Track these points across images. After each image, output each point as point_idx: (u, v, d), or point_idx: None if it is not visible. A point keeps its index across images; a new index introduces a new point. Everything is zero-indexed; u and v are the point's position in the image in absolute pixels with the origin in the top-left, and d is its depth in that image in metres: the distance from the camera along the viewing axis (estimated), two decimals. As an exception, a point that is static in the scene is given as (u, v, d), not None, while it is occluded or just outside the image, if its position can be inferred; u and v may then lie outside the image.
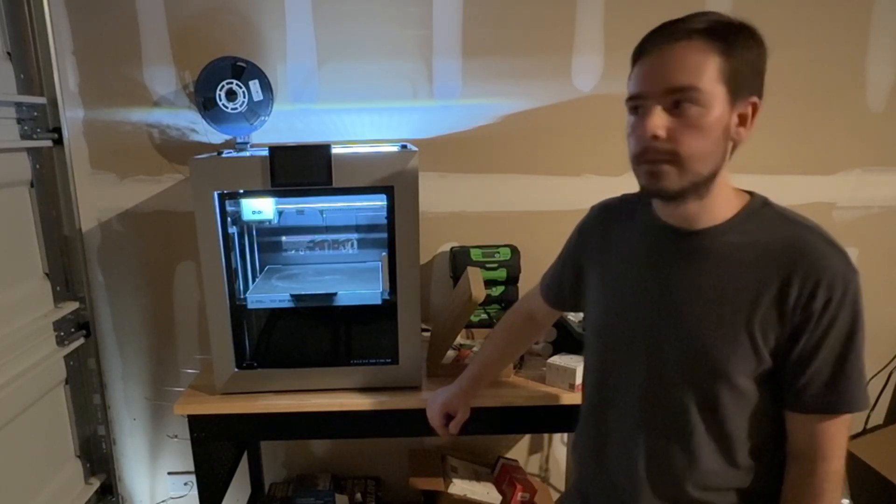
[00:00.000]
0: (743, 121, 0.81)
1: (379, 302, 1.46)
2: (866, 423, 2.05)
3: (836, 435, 0.84)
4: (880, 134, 1.83)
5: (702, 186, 0.82)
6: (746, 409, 0.87)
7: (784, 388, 0.85)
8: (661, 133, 0.78)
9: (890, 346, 1.96)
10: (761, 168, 1.81)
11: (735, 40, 0.78)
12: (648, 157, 0.81)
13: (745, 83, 0.79)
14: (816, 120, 1.81)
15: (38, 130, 1.65)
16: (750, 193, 0.89)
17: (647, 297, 0.92)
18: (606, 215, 1.04)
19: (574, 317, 1.60)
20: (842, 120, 1.81)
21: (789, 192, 1.85)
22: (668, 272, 0.90)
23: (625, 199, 1.03)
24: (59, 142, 1.68)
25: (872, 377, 1.97)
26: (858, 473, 1.79)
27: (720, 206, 0.86)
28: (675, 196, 0.83)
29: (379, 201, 1.44)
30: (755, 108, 0.81)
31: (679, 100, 0.78)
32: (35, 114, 1.64)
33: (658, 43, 0.80)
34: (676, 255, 0.89)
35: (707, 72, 0.77)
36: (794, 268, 0.81)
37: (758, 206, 0.87)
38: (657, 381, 0.91)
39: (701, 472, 0.90)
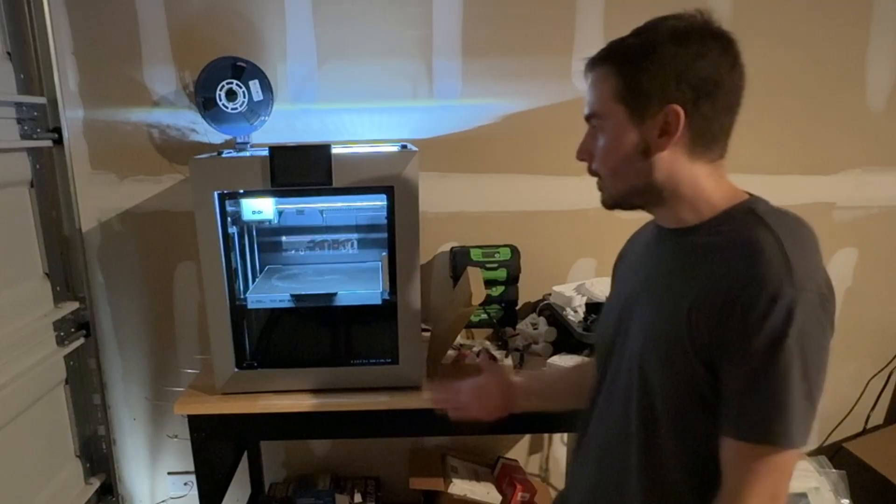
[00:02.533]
0: (665, 130, 0.79)
1: (379, 302, 1.46)
2: (866, 423, 2.05)
3: (749, 471, 0.74)
4: (880, 134, 1.83)
5: (647, 196, 0.84)
6: (685, 426, 0.81)
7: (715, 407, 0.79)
8: (583, 156, 0.88)
9: (890, 346, 1.96)
10: (761, 168, 1.80)
11: (632, 57, 0.79)
12: (589, 173, 0.89)
13: (654, 95, 0.78)
14: (816, 120, 1.81)
15: (38, 130, 1.65)
16: (749, 196, 0.86)
17: (631, 294, 0.92)
18: (638, 232, 1.03)
19: (574, 317, 1.60)
20: (842, 120, 1.81)
21: (789, 192, 1.85)
22: (649, 270, 0.90)
23: None
24: (59, 142, 1.68)
25: (872, 377, 1.97)
26: (858, 473, 1.79)
27: (698, 208, 0.83)
28: (612, 206, 0.88)
29: (379, 201, 1.44)
30: (676, 114, 0.77)
31: (592, 125, 0.86)
32: (35, 114, 1.64)
33: (585, 72, 0.86)
34: (659, 253, 0.90)
35: (604, 95, 0.82)
36: (731, 269, 0.75)
37: (741, 208, 0.81)
38: (619, 383, 0.90)
39: (638, 486, 0.87)
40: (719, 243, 0.79)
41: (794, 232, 0.77)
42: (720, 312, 0.74)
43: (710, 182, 0.83)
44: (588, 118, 0.86)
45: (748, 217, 0.79)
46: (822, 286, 0.73)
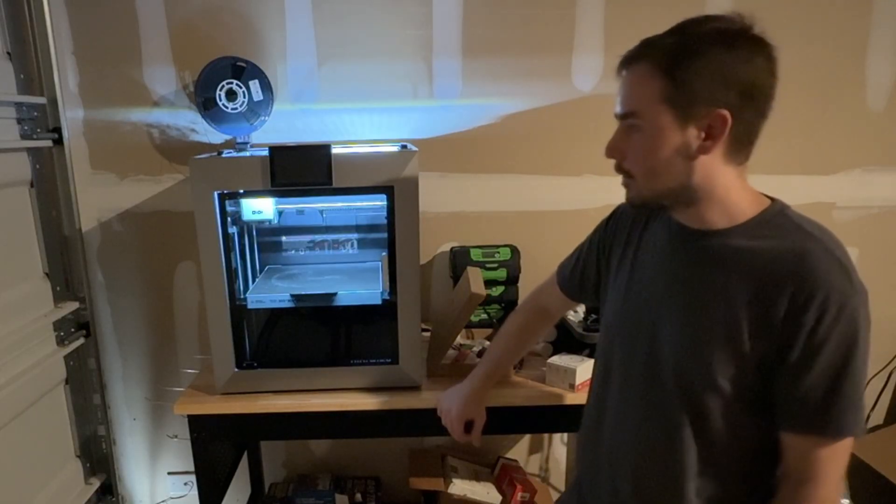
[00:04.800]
0: (710, 134, 0.79)
1: (379, 302, 1.46)
2: (866, 423, 2.05)
3: (826, 459, 0.80)
4: (880, 134, 1.83)
5: (679, 196, 0.84)
6: (735, 423, 0.85)
7: (776, 406, 0.83)
8: (615, 154, 0.86)
9: (890, 346, 1.96)
10: (761, 168, 1.79)
11: (679, 58, 0.77)
12: (617, 171, 0.88)
13: (701, 98, 0.77)
14: (816, 120, 1.81)
15: (38, 130, 1.65)
16: (772, 199, 0.87)
17: (654, 293, 0.92)
18: (637, 212, 1.03)
19: (574, 317, 1.60)
20: (842, 120, 1.81)
21: (789, 192, 1.82)
22: (675, 270, 0.90)
23: None
24: (59, 142, 1.68)
25: (872, 377, 1.97)
26: (858, 473, 1.79)
27: (729, 210, 0.84)
28: (640, 205, 0.88)
29: (379, 201, 1.44)
30: (724, 119, 0.77)
31: (629, 124, 0.83)
32: (35, 114, 1.64)
33: (618, 69, 0.85)
34: (684, 253, 0.89)
35: (647, 95, 0.80)
36: (789, 278, 0.77)
37: (774, 213, 0.84)
38: (652, 381, 0.91)
39: (688, 481, 0.89)
40: (766, 249, 0.81)
41: (832, 238, 0.81)
42: (785, 321, 0.77)
43: (738, 185, 0.85)
44: (623, 116, 0.84)
45: (786, 223, 0.83)
46: (863, 284, 0.79)
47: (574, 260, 1.16)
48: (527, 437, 2.06)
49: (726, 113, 0.77)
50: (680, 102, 0.78)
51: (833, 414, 0.79)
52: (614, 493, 0.98)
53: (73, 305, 1.76)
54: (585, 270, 1.12)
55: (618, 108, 0.85)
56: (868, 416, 2.03)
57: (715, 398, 0.84)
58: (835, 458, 0.81)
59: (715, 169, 0.82)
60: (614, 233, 1.05)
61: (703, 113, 0.78)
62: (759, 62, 0.79)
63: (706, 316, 0.84)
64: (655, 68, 0.79)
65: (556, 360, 1.47)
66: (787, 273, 0.78)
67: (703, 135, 0.79)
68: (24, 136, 1.61)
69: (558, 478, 2.09)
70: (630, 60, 0.82)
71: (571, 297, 1.18)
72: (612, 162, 0.89)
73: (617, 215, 1.07)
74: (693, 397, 0.86)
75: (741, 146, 0.82)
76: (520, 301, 1.84)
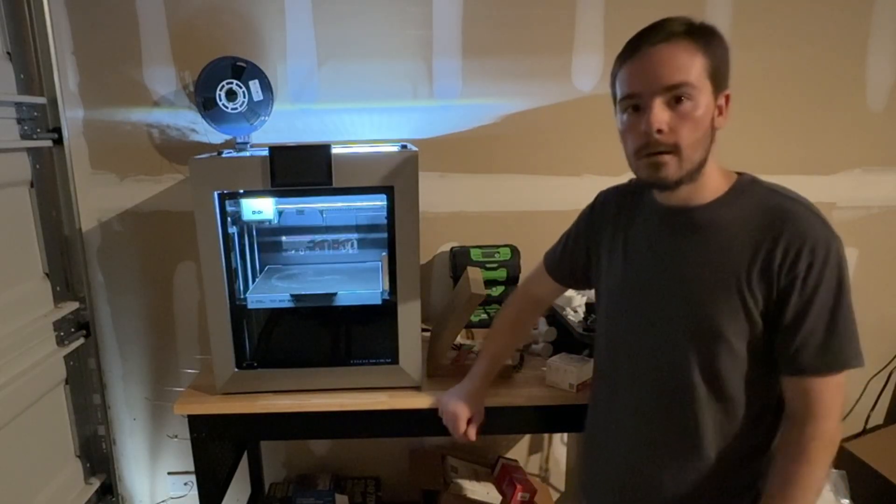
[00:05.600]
0: (721, 111, 0.91)
1: (379, 302, 1.46)
2: (866, 423, 2.05)
3: (828, 394, 0.89)
4: (880, 134, 1.83)
5: (696, 172, 0.91)
6: (744, 374, 0.94)
7: (779, 354, 0.91)
8: (665, 127, 0.87)
9: (890, 346, 1.96)
10: (761, 168, 1.78)
11: (711, 40, 0.88)
12: (650, 150, 0.89)
13: (722, 78, 0.89)
14: (816, 120, 1.81)
15: (38, 130, 1.65)
16: (739, 174, 0.97)
17: (651, 271, 1.00)
18: (620, 199, 1.11)
19: (574, 317, 1.60)
20: (842, 120, 1.81)
21: (789, 192, 1.85)
22: (667, 247, 0.98)
23: (635, 184, 1.09)
24: (59, 142, 1.68)
25: (872, 377, 1.97)
26: (858, 473, 1.79)
27: (710, 186, 0.94)
28: (675, 184, 0.92)
29: (379, 201, 1.44)
30: (728, 99, 0.91)
31: (678, 95, 0.87)
32: (35, 114, 1.64)
33: (646, 45, 0.88)
34: (674, 231, 0.98)
35: (695, 68, 0.86)
36: (779, 234, 0.88)
37: (746, 183, 0.95)
38: (664, 347, 0.99)
39: (704, 437, 0.97)
40: (751, 212, 0.91)
41: (802, 197, 0.93)
42: (781, 272, 0.87)
43: (714, 162, 0.94)
44: (670, 88, 0.86)
45: (760, 189, 0.94)
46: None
47: (561, 247, 1.23)
48: (527, 437, 2.06)
49: (730, 95, 0.91)
50: (716, 79, 0.88)
51: (835, 352, 0.88)
52: (628, 466, 1.06)
53: (73, 305, 1.76)
54: (574, 257, 1.20)
55: (659, 81, 0.86)
56: (868, 416, 2.03)
57: (726, 354, 0.93)
58: (836, 392, 0.89)
59: (714, 144, 0.92)
60: (601, 219, 1.12)
61: (722, 92, 0.90)
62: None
63: (709, 280, 0.92)
64: (700, 46, 0.87)
65: (556, 360, 1.47)
66: (776, 229, 0.88)
67: (719, 111, 0.90)
68: (24, 136, 1.61)
69: (558, 478, 2.09)
70: (673, 35, 0.87)
71: (561, 283, 1.26)
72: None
73: (600, 203, 1.15)
74: (706, 356, 0.94)
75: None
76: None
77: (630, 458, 1.06)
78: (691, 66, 0.86)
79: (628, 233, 1.05)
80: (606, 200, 1.14)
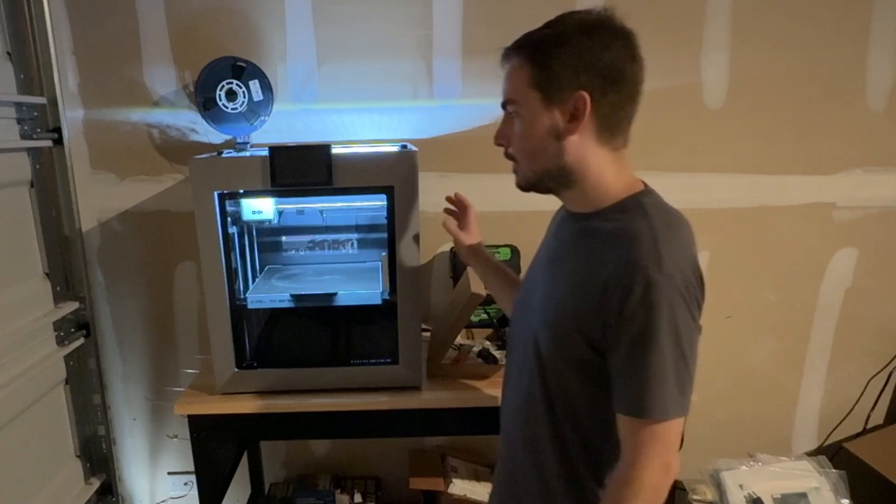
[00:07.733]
0: (574, 115, 0.84)
1: (379, 302, 1.46)
2: (866, 423, 2.05)
3: (643, 441, 0.80)
4: (880, 134, 1.83)
5: (558, 179, 0.90)
6: (587, 408, 0.89)
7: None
8: (501, 141, 0.94)
9: (890, 346, 1.96)
10: (761, 168, 1.80)
11: (545, 46, 0.85)
12: (506, 157, 0.95)
13: (565, 81, 0.84)
14: (816, 120, 1.81)
15: (38, 130, 1.65)
16: (645, 187, 0.91)
17: (538, 272, 1.00)
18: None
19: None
20: (842, 120, 1.81)
21: (789, 192, 1.85)
22: (555, 251, 0.98)
23: None
24: (59, 142, 1.68)
25: (872, 377, 1.97)
26: (858, 473, 1.79)
27: (598, 195, 0.89)
28: (526, 188, 0.95)
29: (379, 201, 1.44)
30: (584, 100, 0.83)
31: (508, 111, 0.91)
32: (35, 114, 1.64)
33: (501, 64, 0.92)
34: (564, 235, 0.97)
35: (520, 82, 0.87)
36: (612, 260, 0.82)
37: (633, 198, 0.88)
38: (522, 352, 0.98)
39: (543, 451, 0.94)
40: (608, 230, 0.86)
41: (671, 225, 0.84)
42: (601, 296, 0.81)
43: (613, 169, 0.89)
44: (504, 105, 0.92)
45: (636, 207, 0.86)
46: (689, 274, 0.81)
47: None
48: (527, 437, 2.06)
49: (586, 95, 0.83)
50: (546, 86, 0.85)
51: (633, 392, 0.80)
52: (507, 457, 1.06)
53: (73, 305, 1.76)
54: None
55: (502, 98, 0.92)
56: (868, 417, 2.03)
57: (565, 371, 0.89)
58: (652, 442, 0.80)
59: (586, 150, 0.87)
60: (550, 224, 1.12)
61: (567, 96, 0.84)
62: (616, 47, 0.84)
63: (560, 293, 0.89)
64: (526, 58, 0.87)
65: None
66: (612, 254, 0.83)
67: (567, 116, 0.85)
68: (24, 136, 1.61)
69: (558, 478, 2.08)
70: (509, 53, 0.90)
71: None
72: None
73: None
74: (543, 369, 0.92)
75: (611, 128, 0.87)
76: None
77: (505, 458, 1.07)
78: (516, 81, 0.88)
79: (547, 236, 1.07)
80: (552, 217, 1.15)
